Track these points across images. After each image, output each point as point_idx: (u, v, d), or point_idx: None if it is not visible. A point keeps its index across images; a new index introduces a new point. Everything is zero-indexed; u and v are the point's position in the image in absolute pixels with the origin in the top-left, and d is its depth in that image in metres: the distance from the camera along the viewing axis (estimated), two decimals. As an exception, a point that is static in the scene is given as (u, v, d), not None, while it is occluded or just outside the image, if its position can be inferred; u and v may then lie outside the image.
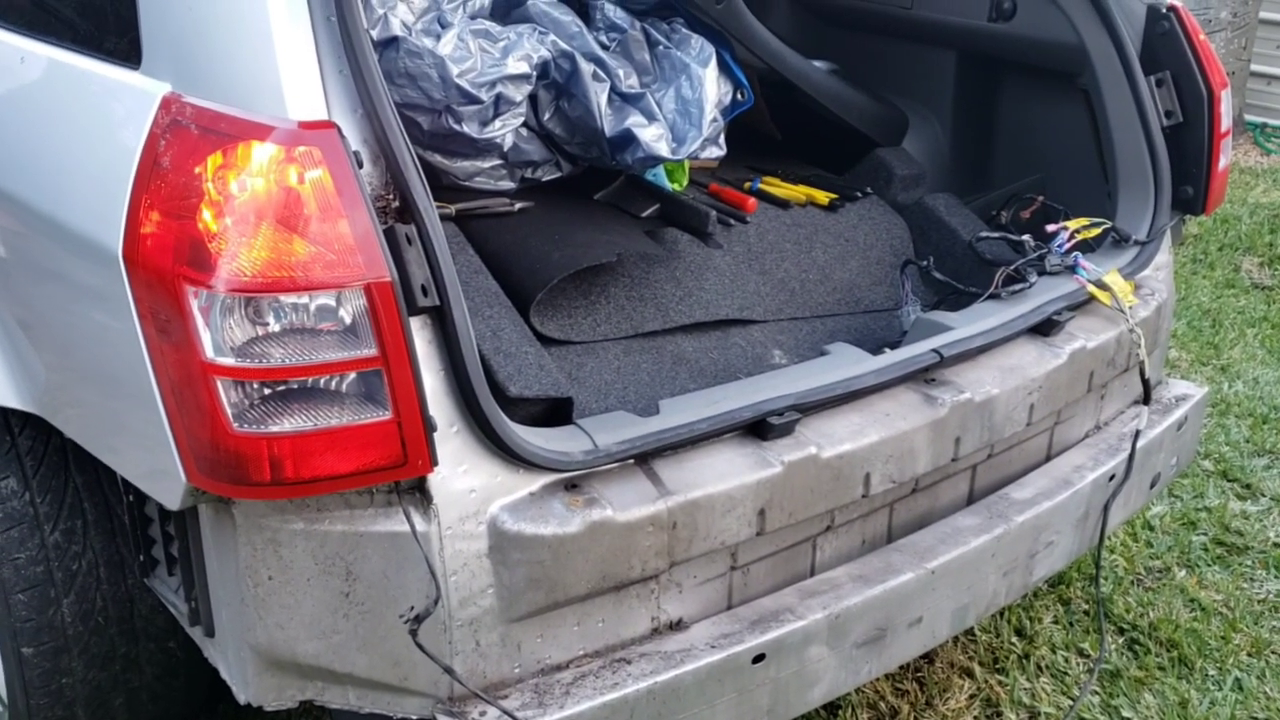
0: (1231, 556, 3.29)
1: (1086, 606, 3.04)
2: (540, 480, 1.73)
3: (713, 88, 2.24)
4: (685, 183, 2.51)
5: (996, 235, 2.53)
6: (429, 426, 1.58)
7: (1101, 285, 2.32)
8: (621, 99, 2.20)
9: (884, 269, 2.60)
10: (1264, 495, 3.57)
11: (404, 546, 1.64)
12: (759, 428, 1.84)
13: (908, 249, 2.65)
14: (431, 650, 1.67)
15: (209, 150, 1.58)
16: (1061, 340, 2.23)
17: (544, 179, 2.34)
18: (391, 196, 1.62)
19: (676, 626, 1.86)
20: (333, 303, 1.54)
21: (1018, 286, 2.25)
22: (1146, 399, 2.38)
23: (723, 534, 1.81)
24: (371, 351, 1.53)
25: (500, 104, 2.12)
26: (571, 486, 1.75)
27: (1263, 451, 3.80)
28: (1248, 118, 7.09)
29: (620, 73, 2.22)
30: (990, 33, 2.77)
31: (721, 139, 2.32)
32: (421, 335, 1.61)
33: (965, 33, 2.85)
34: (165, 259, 1.55)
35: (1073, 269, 2.36)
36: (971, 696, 2.70)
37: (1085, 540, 2.37)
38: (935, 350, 2.04)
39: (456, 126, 2.09)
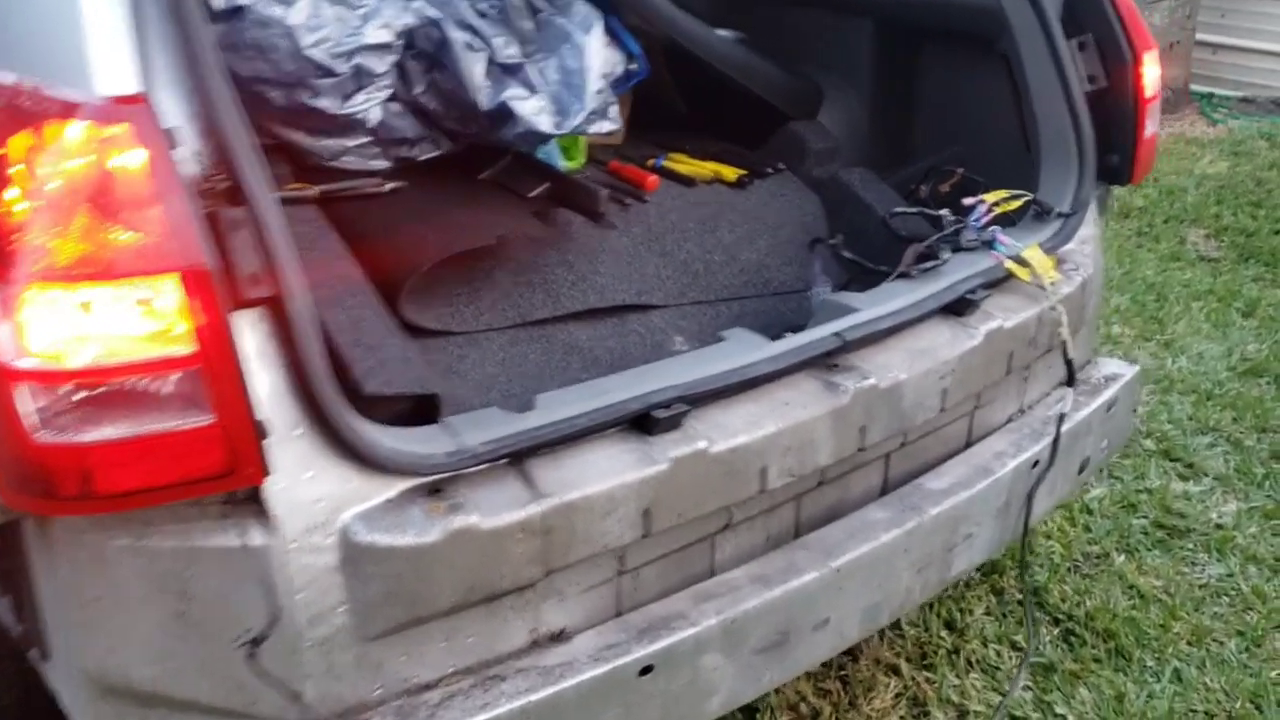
0: (1172, 540, 3.18)
1: (1020, 596, 2.92)
2: (398, 486, 1.57)
3: (597, 57, 2.08)
4: (582, 160, 2.36)
5: (913, 210, 2.39)
6: (259, 431, 1.42)
7: (1020, 261, 2.19)
8: (501, 70, 2.03)
9: (795, 248, 2.46)
10: (1206, 475, 3.47)
11: (241, 562, 1.48)
12: (644, 422, 1.70)
13: (821, 227, 2.51)
14: (280, 673, 1.52)
15: (10, 130, 1.42)
16: (977, 320, 2.10)
17: (421, 157, 2.17)
18: (220, 177, 1.47)
19: (558, 638, 1.72)
20: (145, 295, 1.37)
21: (929, 264, 2.12)
22: (1070, 380, 2.26)
23: (604, 538, 1.67)
24: (188, 349, 1.38)
25: (361, 76, 1.96)
26: (435, 491, 1.60)
27: (1206, 429, 3.70)
28: (1194, 88, 7.01)
29: (498, 42, 2.06)
30: (903, -1, 2.64)
31: (614, 112, 2.16)
32: (256, 330, 1.46)
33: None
34: (-46, 250, 1.38)
35: (990, 244, 2.23)
36: (898, 695, 2.57)
37: (1009, 530, 2.25)
38: (837, 334, 1.91)
39: (313, 102, 1.93)
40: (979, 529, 2.14)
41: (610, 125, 2.14)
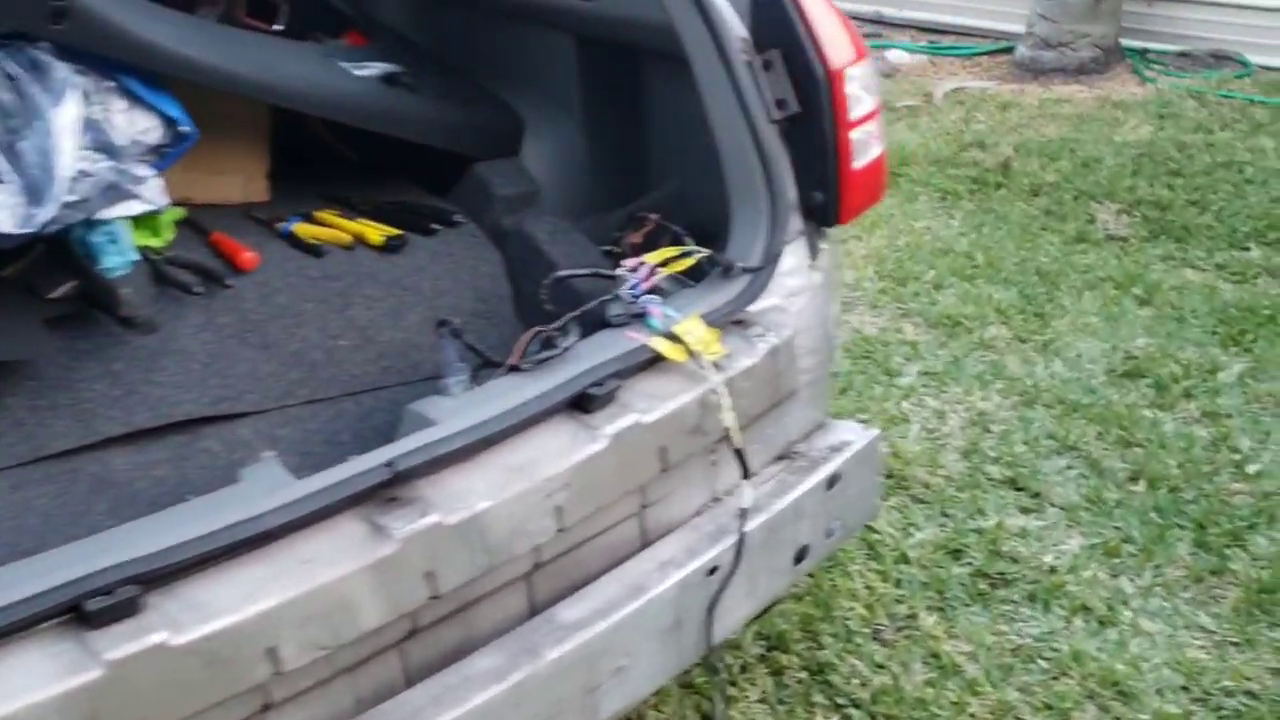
0: (995, 591, 2.83)
1: (802, 676, 2.59)
2: None
3: (68, 135, 1.75)
4: (168, 236, 2.04)
5: (584, 273, 2.05)
6: None
7: (672, 337, 1.85)
8: None
9: (461, 319, 2.12)
10: (1052, 505, 3.11)
11: None
12: (86, 613, 1.38)
13: (497, 291, 2.18)
14: None
15: None
16: (605, 418, 1.76)
17: None
18: None
19: None
20: None
21: (544, 355, 1.78)
22: (745, 473, 1.91)
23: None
24: None
25: None
26: None
27: (1064, 449, 3.34)
28: (1126, 43, 6.54)
29: None
30: (580, 12, 2.27)
31: (151, 189, 1.83)
32: None
33: (560, 13, 2.35)
34: None
35: (642, 317, 1.89)
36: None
37: (687, 651, 1.92)
38: (388, 463, 1.58)
39: None
40: (634, 659, 1.82)
41: (143, 206, 1.82)
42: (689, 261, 1.97)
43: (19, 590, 1.36)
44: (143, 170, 1.84)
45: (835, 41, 2.03)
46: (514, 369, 1.78)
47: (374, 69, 2.30)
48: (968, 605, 2.79)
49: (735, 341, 1.96)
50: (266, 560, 1.50)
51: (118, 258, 1.85)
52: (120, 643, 1.37)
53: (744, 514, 1.91)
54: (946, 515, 3.08)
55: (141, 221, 1.94)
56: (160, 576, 1.41)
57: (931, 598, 2.80)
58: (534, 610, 1.83)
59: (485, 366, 1.86)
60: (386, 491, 1.59)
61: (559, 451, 1.71)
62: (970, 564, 2.91)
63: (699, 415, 1.87)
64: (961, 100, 6.21)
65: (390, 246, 2.16)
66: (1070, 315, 4.08)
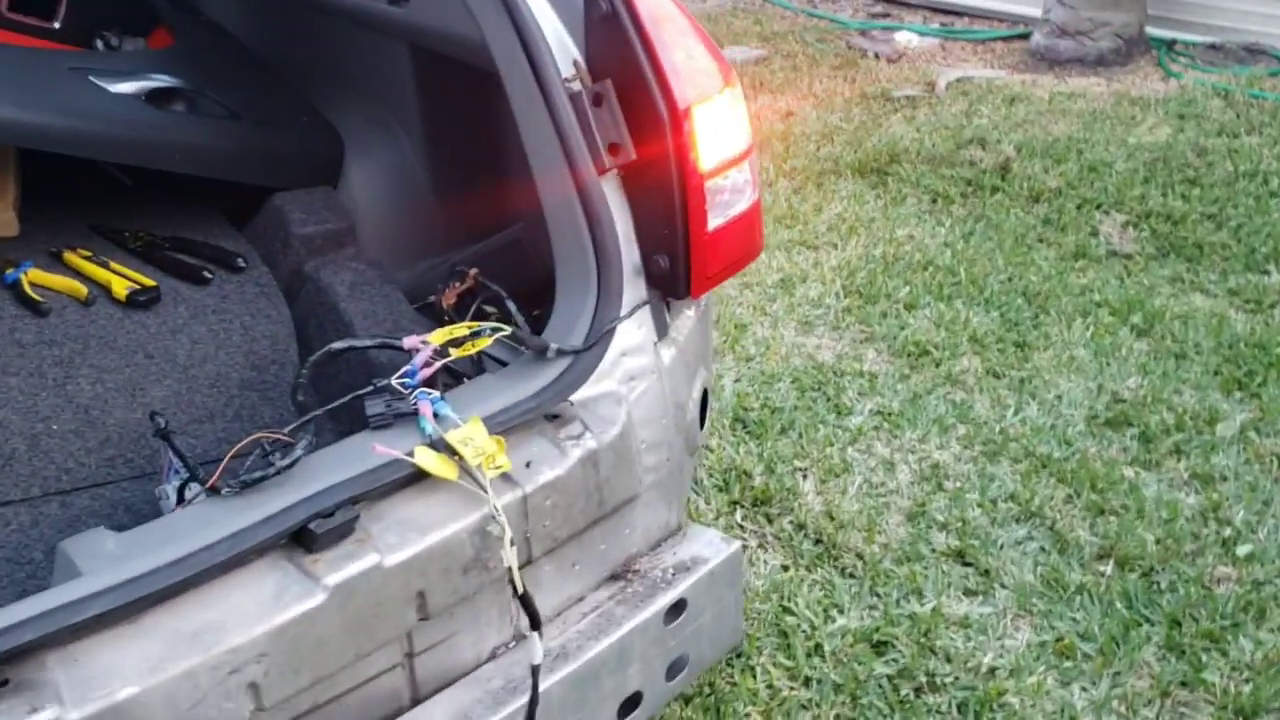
0: (920, 698, 2.41)
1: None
2: None
3: None
4: None
5: (370, 343, 1.63)
6: None
7: (442, 446, 1.44)
8: None
9: (221, 397, 1.72)
10: (1002, 587, 2.68)
11: None
12: None
13: (278, 357, 1.77)
14: None
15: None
16: (330, 562, 1.36)
17: None
18: None
19: None
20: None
21: (255, 474, 1.38)
22: (534, 624, 1.49)
23: None
24: None
25: None
26: None
27: (1026, 515, 2.90)
28: (1152, 32, 5.99)
29: None
30: (390, 19, 1.85)
31: None
32: None
33: (370, 17, 1.93)
34: None
35: (413, 416, 1.48)
36: None
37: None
38: (-1, 636, 1.18)
39: None
40: None
41: None
42: (484, 342, 1.55)
43: None
44: None
45: (685, 70, 1.59)
46: (213, 491, 1.37)
47: (141, 83, 1.88)
48: (884, 716, 2.37)
49: (539, 446, 1.55)
50: None
51: None
52: None
53: (536, 670, 1.50)
54: (877, 595, 2.66)
55: None
56: None
57: (842, 705, 2.39)
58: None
59: (190, 482, 1.45)
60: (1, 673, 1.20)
61: (255, 610, 1.31)
62: (895, 661, 2.49)
63: (476, 547, 1.46)
64: (966, 91, 5.71)
65: (137, 301, 1.76)
66: (1055, 347, 3.63)
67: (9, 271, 1.82)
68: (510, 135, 2.02)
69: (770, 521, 2.92)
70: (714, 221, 1.63)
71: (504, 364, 1.62)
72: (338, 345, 1.61)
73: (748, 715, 2.36)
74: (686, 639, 1.72)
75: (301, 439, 1.41)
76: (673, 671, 1.73)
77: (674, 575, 1.71)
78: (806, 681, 2.44)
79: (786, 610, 2.62)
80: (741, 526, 2.90)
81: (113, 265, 1.84)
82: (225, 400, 1.73)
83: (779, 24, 6.86)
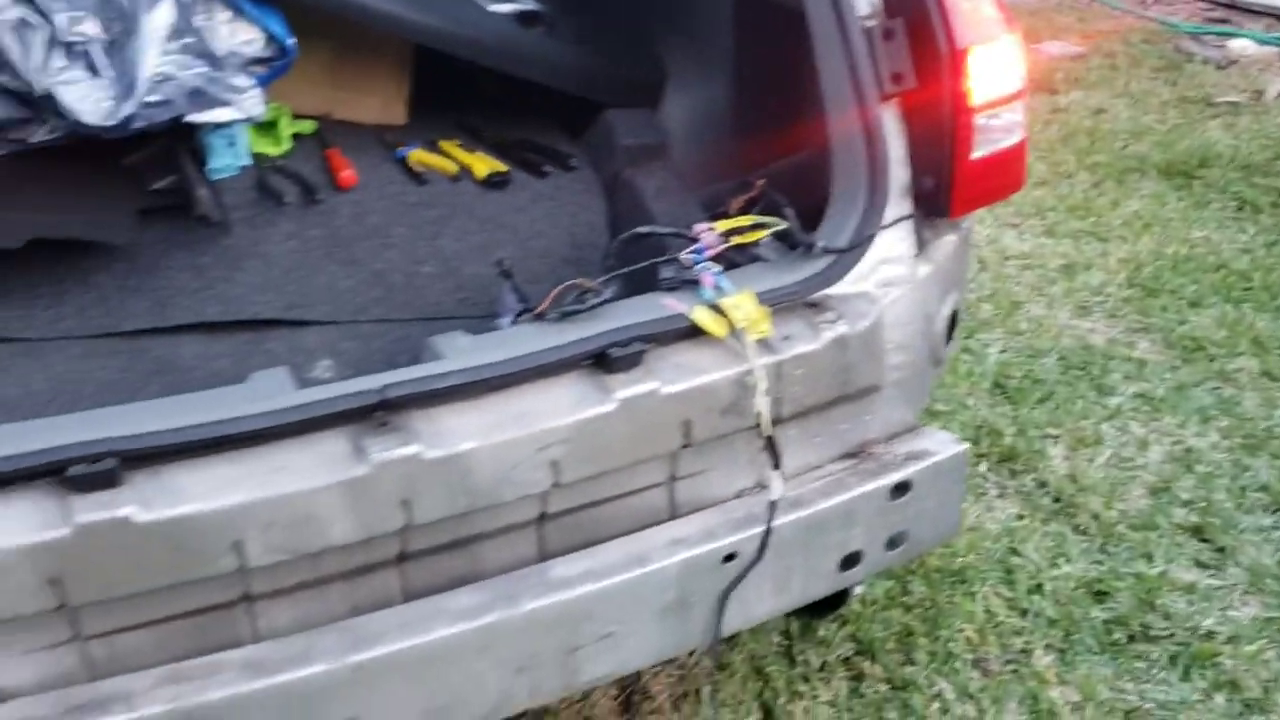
0: (1132, 644, 2.55)
1: (881, 689, 2.45)
2: None
3: (155, 37, 1.83)
4: (286, 147, 2.12)
5: (666, 231, 1.98)
6: None
7: (718, 310, 1.77)
8: (65, 49, 1.84)
9: (548, 263, 2.12)
10: (1236, 565, 2.76)
11: None
12: (73, 478, 1.50)
13: (593, 240, 2.15)
14: None
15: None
16: (622, 381, 1.71)
17: (33, 140, 1.94)
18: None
19: (-6, 698, 1.57)
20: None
21: (572, 308, 1.75)
22: (775, 464, 1.80)
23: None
24: None
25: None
26: None
27: (1276, 507, 2.94)
28: None
29: (62, 18, 1.85)
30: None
31: (251, 100, 1.90)
32: None
33: None
34: None
35: (695, 284, 1.82)
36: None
37: (691, 634, 1.85)
38: (381, 389, 1.61)
39: None
40: (625, 630, 1.78)
41: (233, 114, 1.90)
42: (761, 233, 1.87)
43: (16, 446, 1.49)
44: (241, 80, 1.94)
45: (969, 17, 1.85)
46: (539, 317, 1.76)
47: (513, 5, 2.31)
48: (1094, 653, 2.53)
49: (797, 325, 1.85)
50: (241, 460, 1.57)
51: (228, 160, 1.98)
52: (95, 510, 1.48)
53: (772, 506, 1.81)
54: (1105, 552, 2.80)
55: (263, 129, 2.07)
56: (140, 456, 1.51)
57: (1054, 637, 2.56)
58: (542, 560, 1.83)
59: (526, 311, 1.85)
60: (381, 416, 1.63)
61: (563, 406, 1.68)
62: (1112, 609, 2.63)
63: (735, 395, 1.78)
64: (1297, 102, 5.50)
65: (493, 182, 2.18)
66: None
67: (400, 149, 2.32)
68: (805, 75, 2.33)
69: (1013, 476, 3.08)
70: (980, 151, 1.88)
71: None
72: (642, 230, 1.98)
73: (962, 630, 2.58)
74: (909, 518, 1.98)
75: (608, 289, 1.78)
76: (893, 544, 1.99)
77: (904, 460, 1.97)
78: (1023, 613, 2.63)
79: (1014, 552, 2.79)
80: (984, 477, 3.08)
81: (476, 153, 2.28)
82: (550, 268, 2.13)
83: (1104, 23, 6.77)
